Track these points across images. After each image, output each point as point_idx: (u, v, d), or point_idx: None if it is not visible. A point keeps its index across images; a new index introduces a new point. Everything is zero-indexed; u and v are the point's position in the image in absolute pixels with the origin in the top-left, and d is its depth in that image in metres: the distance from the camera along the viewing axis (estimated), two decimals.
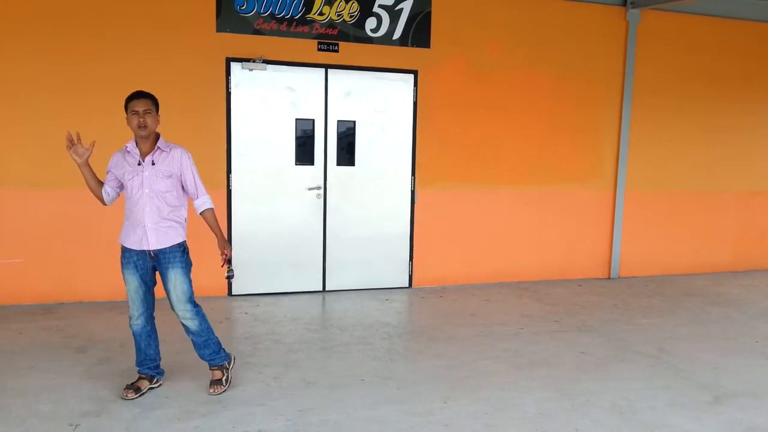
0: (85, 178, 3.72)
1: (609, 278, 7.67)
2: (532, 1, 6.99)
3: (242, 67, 6.07)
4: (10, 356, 4.45)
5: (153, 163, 3.70)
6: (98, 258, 5.88)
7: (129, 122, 3.67)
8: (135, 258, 3.75)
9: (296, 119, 6.35)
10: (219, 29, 5.99)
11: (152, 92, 5.68)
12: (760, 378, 4.43)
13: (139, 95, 3.68)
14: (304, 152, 6.41)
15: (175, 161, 3.77)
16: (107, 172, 3.80)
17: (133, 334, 3.89)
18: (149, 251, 3.73)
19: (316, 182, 6.46)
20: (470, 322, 5.65)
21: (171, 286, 3.78)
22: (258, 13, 6.07)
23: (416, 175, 6.77)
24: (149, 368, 3.92)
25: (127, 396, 3.75)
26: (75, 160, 3.64)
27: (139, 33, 5.79)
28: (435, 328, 5.42)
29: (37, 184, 5.69)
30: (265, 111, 6.24)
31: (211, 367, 3.97)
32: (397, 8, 6.48)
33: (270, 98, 6.24)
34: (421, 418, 3.63)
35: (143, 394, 3.82)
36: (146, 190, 3.69)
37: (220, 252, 3.89)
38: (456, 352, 4.81)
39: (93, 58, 5.70)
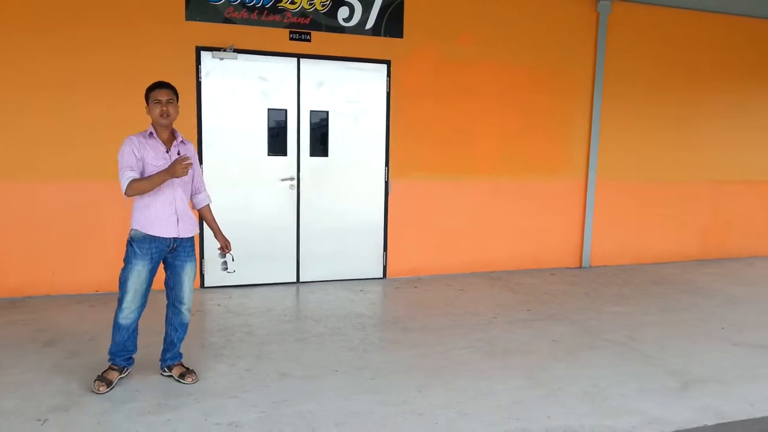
0: (154, 184, 3.58)
1: (580, 267, 7.77)
2: None
3: (212, 57, 5.98)
4: None
5: (179, 153, 3.73)
6: (67, 250, 5.77)
7: (150, 111, 3.67)
8: (154, 248, 3.67)
9: (268, 109, 6.28)
10: (188, 18, 5.88)
11: (121, 82, 5.62)
12: (728, 364, 4.53)
13: (161, 85, 3.70)
14: (277, 143, 6.35)
15: (191, 153, 3.83)
16: (131, 158, 3.57)
17: (119, 327, 3.75)
18: (173, 240, 3.71)
19: (289, 173, 6.41)
20: (444, 312, 5.67)
21: (186, 277, 3.80)
22: (228, 1, 5.98)
23: (390, 166, 6.76)
24: (124, 359, 3.85)
25: (99, 390, 3.68)
26: (176, 175, 3.56)
27: (107, 22, 5.66)
28: (409, 319, 5.44)
29: (3, 176, 5.54)
30: (236, 101, 6.16)
31: (177, 363, 3.95)
32: None
33: (241, 88, 6.17)
34: (395, 408, 3.63)
35: (114, 386, 3.76)
36: (178, 180, 3.70)
37: (222, 245, 3.99)
38: (430, 341, 4.83)
39: (57, 52, 5.56)
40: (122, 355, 3.84)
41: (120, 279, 3.72)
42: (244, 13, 6.05)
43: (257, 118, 6.25)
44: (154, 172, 3.60)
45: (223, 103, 6.12)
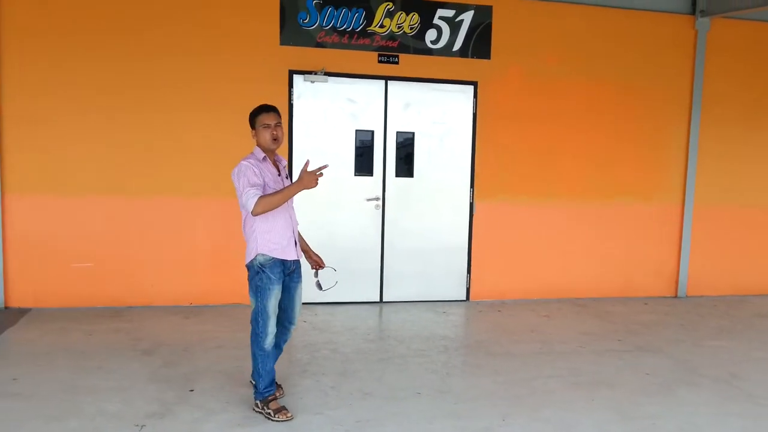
0: (286, 198, 3.61)
1: (675, 297, 7.39)
2: (595, 11, 6.85)
3: (304, 80, 6.18)
4: (81, 356, 4.64)
5: (287, 176, 3.80)
6: (164, 263, 6.09)
7: (258, 135, 3.68)
8: (280, 272, 3.67)
9: (356, 130, 6.41)
10: (282, 42, 6.13)
11: (217, 104, 5.89)
12: None
13: (267, 109, 3.72)
14: (363, 163, 6.46)
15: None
16: (254, 178, 3.54)
17: (266, 356, 3.69)
18: (293, 262, 3.74)
19: (375, 193, 6.50)
20: (529, 338, 5.55)
21: (298, 298, 3.86)
22: (320, 26, 6.18)
23: (475, 187, 6.72)
24: (273, 385, 3.79)
25: (287, 416, 3.64)
26: (308, 186, 3.60)
27: (205, 47, 5.98)
28: (493, 343, 5.35)
29: (109, 191, 5.94)
30: (325, 122, 6.33)
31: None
32: (457, 20, 6.48)
33: (331, 110, 6.33)
34: None
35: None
36: (290, 201, 3.75)
37: (316, 263, 3.98)
38: (514, 368, 4.73)
39: (160, 78, 5.93)
40: (272, 381, 3.77)
41: (258, 308, 3.66)
42: (335, 38, 6.23)
43: (345, 139, 6.40)
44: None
45: (313, 125, 6.30)
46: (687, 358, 5.12)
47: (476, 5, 6.52)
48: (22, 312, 5.74)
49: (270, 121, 3.68)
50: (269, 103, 3.82)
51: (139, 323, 5.55)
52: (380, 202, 6.51)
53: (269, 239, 3.64)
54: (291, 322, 3.91)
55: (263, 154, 3.71)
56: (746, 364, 4.99)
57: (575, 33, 6.84)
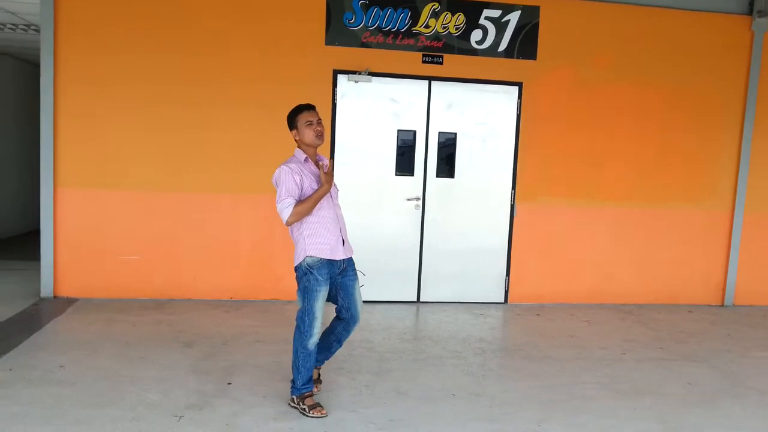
0: (314, 203, 3.62)
1: (722, 305, 7.17)
2: (645, 11, 6.68)
3: (348, 79, 6.22)
4: (125, 346, 4.78)
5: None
6: (206, 258, 6.21)
7: (302, 133, 3.71)
8: (327, 273, 3.68)
9: (398, 130, 6.42)
10: (328, 42, 6.17)
11: (263, 102, 5.96)
12: None
13: (308, 107, 3.75)
14: (405, 163, 6.47)
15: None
16: (293, 186, 3.58)
17: (308, 354, 3.70)
18: (343, 261, 3.75)
19: (415, 193, 6.50)
20: (568, 343, 5.46)
21: (357, 295, 3.85)
22: (366, 26, 6.20)
23: (517, 189, 6.65)
24: (310, 382, 3.81)
25: (322, 413, 3.67)
26: (325, 185, 3.63)
27: (253, 45, 6.08)
28: (531, 347, 5.29)
29: (156, 186, 6.09)
30: (368, 122, 6.35)
31: (317, 367, 4.04)
32: (504, 20, 6.41)
33: (373, 109, 6.36)
34: None
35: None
36: (335, 200, 3.80)
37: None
38: (552, 373, 4.66)
39: (208, 76, 6.05)
40: (309, 378, 3.79)
41: (305, 309, 3.67)
42: (380, 38, 6.24)
43: (387, 139, 6.41)
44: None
45: (355, 124, 6.34)
46: (733, 369, 4.96)
47: (523, 5, 6.44)
48: (70, 302, 5.94)
49: (312, 118, 3.71)
50: (312, 102, 3.84)
51: (181, 315, 5.68)
52: (420, 202, 6.51)
53: (318, 240, 3.66)
54: (355, 321, 3.89)
55: (304, 155, 3.73)
56: None
57: (624, 34, 6.69)
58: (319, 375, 4.09)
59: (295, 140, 3.78)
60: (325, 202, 3.69)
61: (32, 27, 7.33)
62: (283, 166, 3.65)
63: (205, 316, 5.72)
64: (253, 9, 6.07)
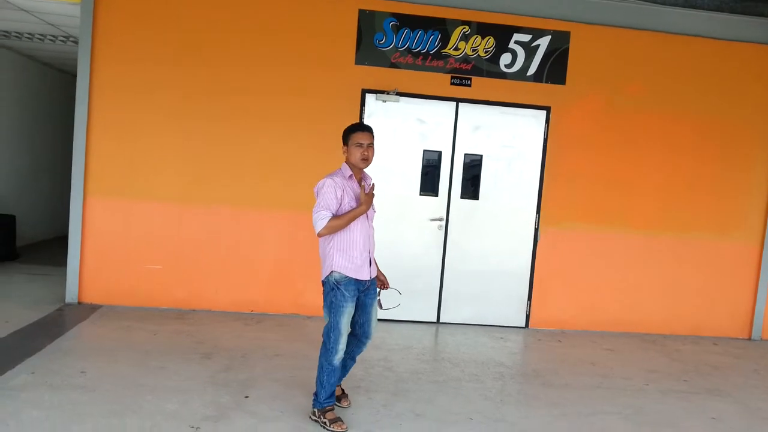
0: (348, 221, 3.65)
1: (750, 339, 7.00)
2: (676, 40, 6.64)
3: (376, 99, 6.27)
4: (145, 355, 4.81)
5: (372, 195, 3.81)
6: (228, 270, 6.26)
7: (350, 152, 3.72)
8: (354, 289, 3.69)
9: (424, 150, 6.44)
10: (357, 62, 6.24)
11: (292, 118, 6.00)
12: None
13: (363, 128, 3.76)
14: (429, 183, 6.47)
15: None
16: (333, 199, 3.61)
17: (333, 370, 3.72)
18: (368, 281, 3.77)
19: (439, 213, 6.49)
20: (590, 371, 5.37)
21: (374, 313, 3.88)
22: (396, 47, 6.26)
23: (541, 213, 6.61)
24: (333, 397, 3.84)
25: (342, 428, 3.67)
26: (363, 205, 3.68)
27: (285, 61, 6.16)
28: (551, 374, 5.21)
29: (182, 198, 6.17)
30: (394, 141, 6.38)
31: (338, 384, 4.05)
32: (534, 44, 6.42)
33: (400, 129, 6.39)
34: None
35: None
36: (370, 221, 3.83)
37: (381, 282, 3.97)
38: (572, 401, 4.59)
39: (237, 90, 6.15)
40: (332, 393, 3.80)
41: (331, 324, 3.69)
42: (409, 59, 6.29)
43: (412, 159, 6.43)
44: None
45: (382, 143, 6.33)
46: (759, 405, 4.83)
47: (554, 30, 6.45)
48: (94, 308, 6.02)
49: (364, 140, 3.71)
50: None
51: (201, 326, 5.72)
52: (443, 223, 6.50)
53: (347, 258, 3.68)
54: (367, 337, 3.94)
55: (350, 172, 3.75)
56: None
57: (655, 62, 6.66)
58: (343, 391, 4.10)
59: (344, 154, 3.80)
60: (359, 222, 3.71)
61: (71, 39, 7.54)
62: (327, 179, 3.68)
63: (225, 328, 5.75)
64: (286, 27, 6.16)
